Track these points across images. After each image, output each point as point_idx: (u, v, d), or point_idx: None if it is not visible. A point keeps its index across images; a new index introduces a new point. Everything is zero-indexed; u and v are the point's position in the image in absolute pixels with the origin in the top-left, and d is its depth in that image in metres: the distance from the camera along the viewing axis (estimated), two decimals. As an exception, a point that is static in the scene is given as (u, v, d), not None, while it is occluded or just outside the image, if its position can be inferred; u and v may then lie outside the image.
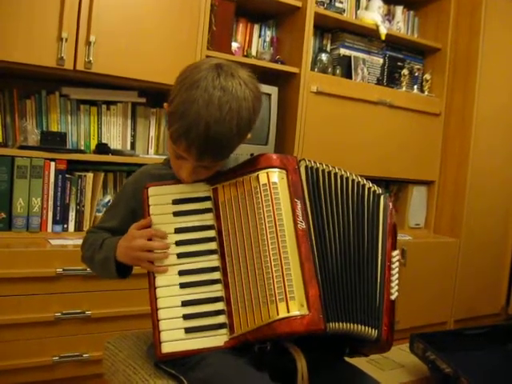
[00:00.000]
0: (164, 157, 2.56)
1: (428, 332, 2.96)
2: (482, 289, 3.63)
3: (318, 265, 1.21)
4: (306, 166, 1.29)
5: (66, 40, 2.25)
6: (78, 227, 2.45)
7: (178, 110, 1.18)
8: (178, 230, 1.26)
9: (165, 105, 1.26)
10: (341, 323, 1.21)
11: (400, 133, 3.34)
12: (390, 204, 1.38)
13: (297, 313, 1.14)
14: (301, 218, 1.22)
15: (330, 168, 1.32)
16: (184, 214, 1.27)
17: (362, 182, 1.36)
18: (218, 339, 1.21)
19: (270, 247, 1.18)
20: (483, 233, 3.58)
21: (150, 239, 1.25)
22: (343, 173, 1.33)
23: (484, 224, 3.58)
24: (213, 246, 1.26)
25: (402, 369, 2.83)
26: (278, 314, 1.14)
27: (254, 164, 1.25)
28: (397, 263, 1.35)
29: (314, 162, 1.31)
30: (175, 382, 1.26)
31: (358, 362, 1.38)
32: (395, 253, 1.36)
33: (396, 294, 1.34)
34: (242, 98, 1.19)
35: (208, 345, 1.20)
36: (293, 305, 1.14)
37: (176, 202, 1.28)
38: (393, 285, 1.33)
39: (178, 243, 1.25)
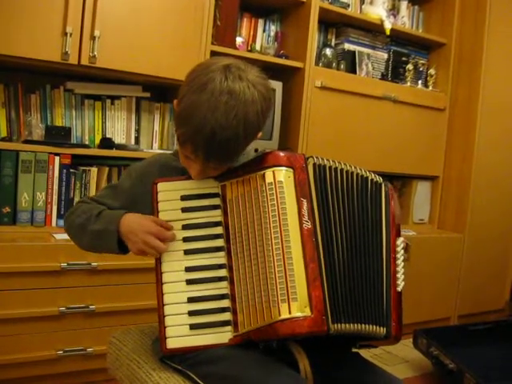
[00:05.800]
0: (169, 151, 2.58)
1: (432, 327, 2.96)
2: (486, 284, 3.63)
3: (323, 265, 1.19)
4: (314, 164, 1.26)
5: (71, 35, 2.25)
6: (83, 222, 2.45)
7: (184, 113, 1.17)
8: (186, 227, 1.26)
9: (174, 102, 1.24)
10: (346, 324, 1.19)
11: (404, 128, 3.33)
12: (392, 191, 1.36)
13: (298, 314, 1.13)
14: (306, 218, 1.20)
15: (337, 164, 1.30)
16: (192, 210, 1.27)
17: (365, 175, 1.34)
18: (223, 336, 1.21)
19: (274, 247, 1.17)
20: (487, 228, 3.58)
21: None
22: (348, 168, 1.31)
23: (488, 219, 3.58)
24: (220, 242, 1.26)
25: (405, 364, 2.84)
26: (279, 315, 1.13)
27: (261, 162, 1.24)
28: (402, 251, 1.33)
29: (322, 159, 1.28)
30: (180, 376, 1.26)
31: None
32: (400, 240, 1.33)
33: (402, 283, 1.31)
34: (250, 102, 1.16)
35: (213, 341, 1.21)
36: (295, 306, 1.13)
37: (184, 198, 1.27)
38: (399, 275, 1.30)
39: (186, 239, 1.26)
